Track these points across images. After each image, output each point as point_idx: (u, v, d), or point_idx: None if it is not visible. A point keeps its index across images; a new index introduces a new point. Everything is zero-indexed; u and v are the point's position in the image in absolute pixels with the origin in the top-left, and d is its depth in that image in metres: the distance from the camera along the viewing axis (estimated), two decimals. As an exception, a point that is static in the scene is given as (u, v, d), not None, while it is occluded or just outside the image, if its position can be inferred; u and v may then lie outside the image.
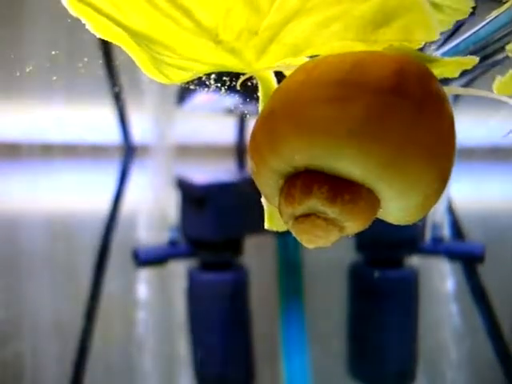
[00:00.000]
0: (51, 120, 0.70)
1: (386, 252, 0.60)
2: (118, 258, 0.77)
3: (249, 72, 0.22)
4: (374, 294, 0.61)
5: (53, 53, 0.43)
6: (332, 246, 0.18)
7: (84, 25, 0.20)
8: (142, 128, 0.69)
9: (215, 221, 0.59)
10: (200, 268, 0.66)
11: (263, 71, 0.22)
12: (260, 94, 0.22)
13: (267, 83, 0.22)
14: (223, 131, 0.72)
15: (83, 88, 0.61)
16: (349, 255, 0.67)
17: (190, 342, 0.67)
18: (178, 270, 0.75)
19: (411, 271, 0.61)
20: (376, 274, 0.59)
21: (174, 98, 0.62)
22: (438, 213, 0.61)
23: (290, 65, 0.24)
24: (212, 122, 0.70)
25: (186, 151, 0.69)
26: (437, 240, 0.60)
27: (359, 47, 0.20)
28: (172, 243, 0.64)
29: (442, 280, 0.70)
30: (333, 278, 0.71)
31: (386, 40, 0.19)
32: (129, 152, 0.69)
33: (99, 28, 0.21)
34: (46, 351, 0.76)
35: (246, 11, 0.19)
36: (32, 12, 0.64)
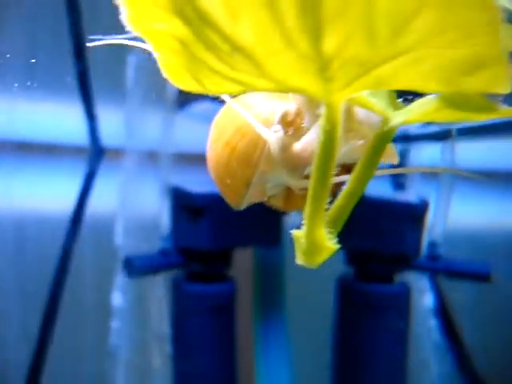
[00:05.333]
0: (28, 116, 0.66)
1: (377, 267, 0.61)
2: (93, 263, 0.74)
3: (322, 99, 0.21)
4: (364, 309, 0.61)
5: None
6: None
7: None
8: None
9: (212, 231, 0.58)
10: (187, 278, 0.64)
11: (335, 100, 0.21)
12: (321, 122, 0.21)
13: (333, 113, 0.21)
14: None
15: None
16: (338, 269, 0.67)
17: (173, 355, 0.65)
18: (156, 279, 0.73)
19: (404, 286, 0.61)
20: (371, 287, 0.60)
21: (172, 105, 0.61)
22: (436, 231, 0.62)
23: (366, 101, 0.23)
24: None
25: (181, 159, 0.67)
26: (434, 257, 0.61)
27: (440, 90, 0.21)
28: (163, 253, 0.62)
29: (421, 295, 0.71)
30: (319, 292, 0.71)
31: (467, 88, 0.20)
32: (96, 154, 0.66)
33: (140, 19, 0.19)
34: (11, 361, 0.72)
35: (363, 40, 0.18)
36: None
